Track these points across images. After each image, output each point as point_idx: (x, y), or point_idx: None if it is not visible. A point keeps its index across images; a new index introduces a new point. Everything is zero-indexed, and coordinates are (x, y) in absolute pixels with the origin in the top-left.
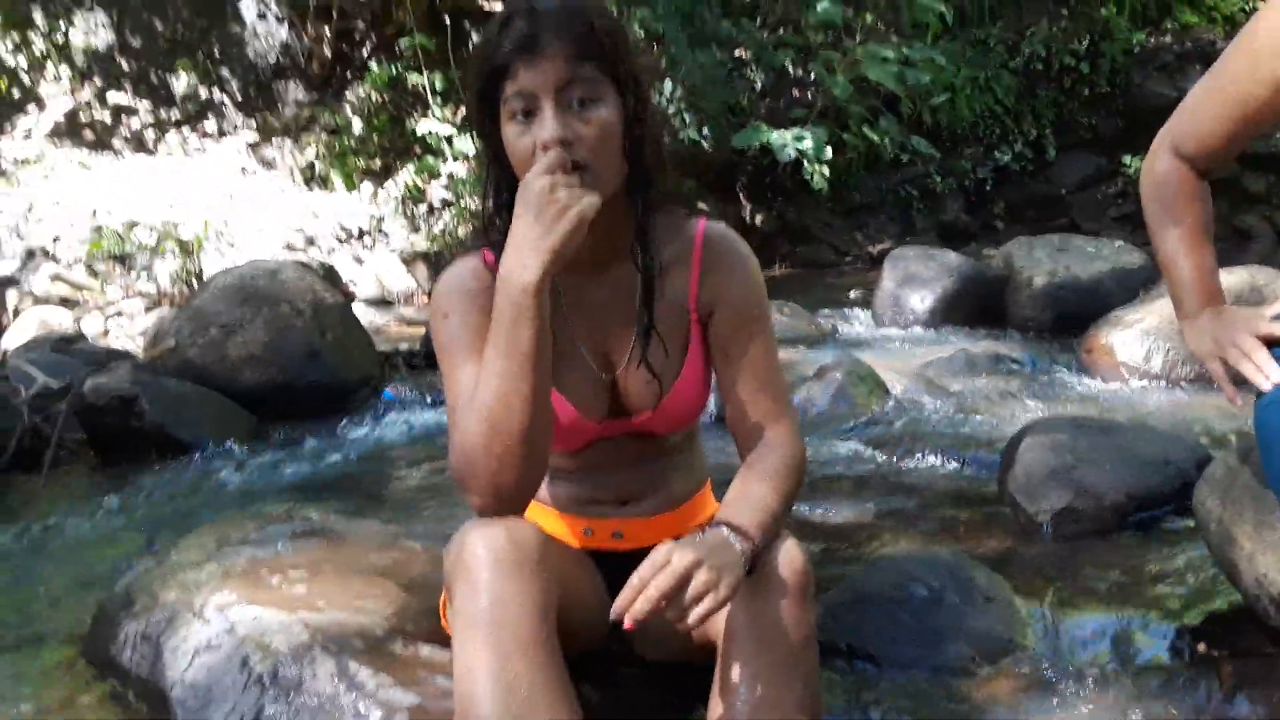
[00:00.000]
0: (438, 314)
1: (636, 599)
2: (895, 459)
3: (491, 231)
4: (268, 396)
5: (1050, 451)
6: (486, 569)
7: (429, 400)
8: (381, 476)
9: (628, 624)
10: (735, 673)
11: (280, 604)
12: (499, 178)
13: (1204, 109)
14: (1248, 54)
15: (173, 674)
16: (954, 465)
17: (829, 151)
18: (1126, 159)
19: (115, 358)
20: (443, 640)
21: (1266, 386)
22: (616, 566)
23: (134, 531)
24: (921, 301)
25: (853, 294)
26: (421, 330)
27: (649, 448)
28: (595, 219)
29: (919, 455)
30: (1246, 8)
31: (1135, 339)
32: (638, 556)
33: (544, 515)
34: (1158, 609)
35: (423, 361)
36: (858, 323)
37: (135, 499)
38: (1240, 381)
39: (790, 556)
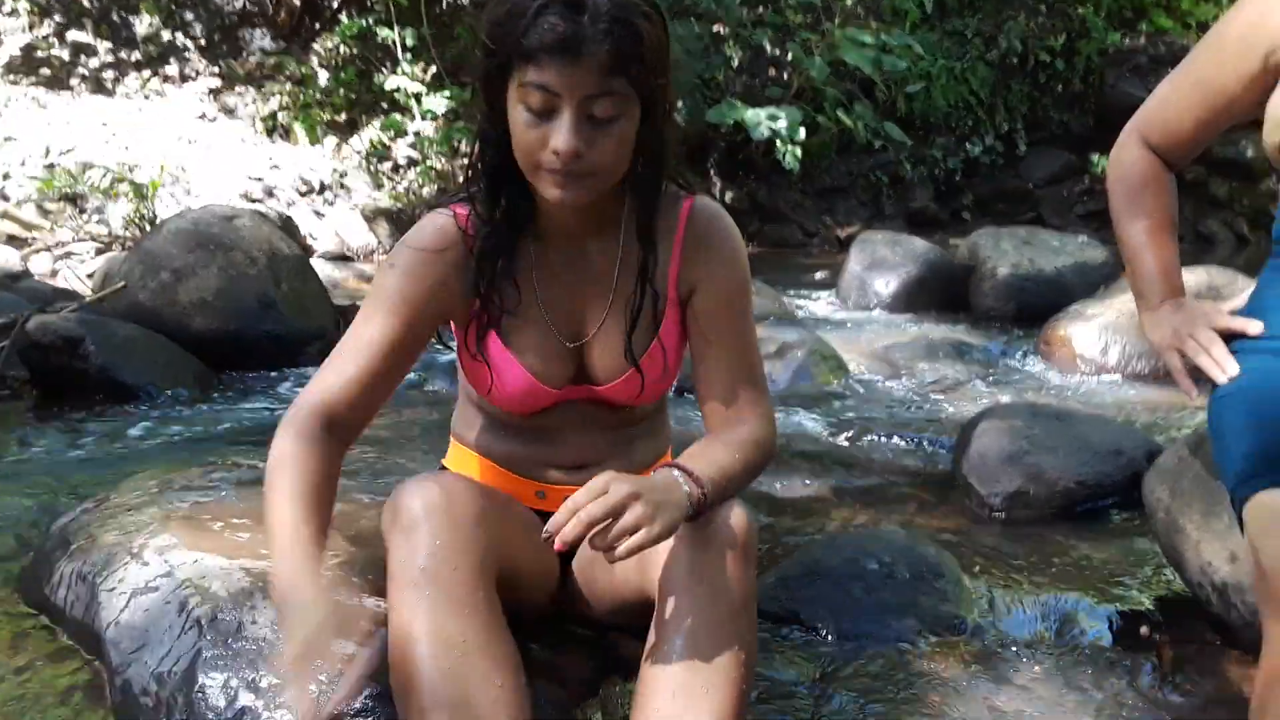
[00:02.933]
0: (387, 261)
1: (568, 522)
2: (853, 437)
3: (468, 187)
4: (218, 344)
5: (1005, 436)
6: (423, 525)
7: None
8: None
9: (558, 545)
10: (670, 628)
11: (222, 550)
12: (489, 138)
13: (1174, 99)
14: (1218, 48)
15: (107, 614)
16: (910, 445)
17: (802, 132)
18: (1095, 158)
19: (62, 297)
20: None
21: (1221, 380)
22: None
23: (75, 473)
24: (886, 286)
25: (819, 275)
26: None
27: (613, 416)
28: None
29: (876, 434)
30: (1220, 16)
31: (1093, 332)
32: None
33: (493, 474)
34: (1103, 593)
35: None
36: (822, 303)
37: (77, 441)
38: (1197, 375)
39: (735, 516)
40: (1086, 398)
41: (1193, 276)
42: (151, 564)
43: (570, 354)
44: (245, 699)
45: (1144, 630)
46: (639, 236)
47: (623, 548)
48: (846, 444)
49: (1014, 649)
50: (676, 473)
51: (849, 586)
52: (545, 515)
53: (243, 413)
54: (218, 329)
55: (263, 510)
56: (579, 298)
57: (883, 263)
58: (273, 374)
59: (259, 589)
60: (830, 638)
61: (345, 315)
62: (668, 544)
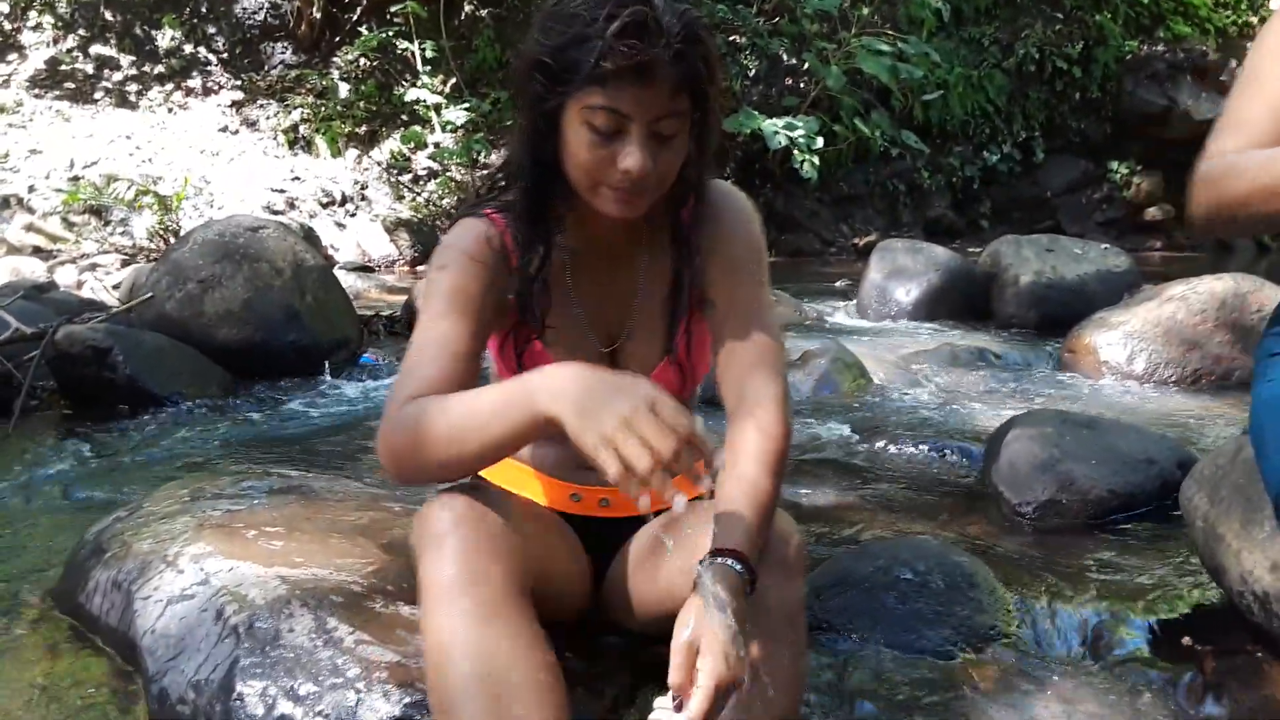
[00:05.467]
0: (435, 264)
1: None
2: (878, 445)
3: (505, 193)
4: (244, 354)
5: (1036, 444)
6: (451, 536)
7: None
8: (358, 440)
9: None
10: None
11: (257, 558)
12: (531, 150)
13: (1247, 113)
14: (1277, 54)
15: (143, 622)
16: (936, 454)
17: (819, 141)
18: (1113, 164)
19: (90, 308)
20: None
21: None
22: (600, 531)
23: (105, 482)
24: (907, 294)
25: (838, 284)
26: (402, 298)
27: None
28: None
29: (901, 443)
30: (1239, 21)
31: (1119, 340)
32: (622, 523)
33: (527, 478)
34: (1140, 603)
35: (404, 328)
36: (841, 312)
37: (106, 450)
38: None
39: (785, 530)
40: (1114, 406)
41: (1219, 284)
42: (187, 571)
43: (603, 357)
44: (284, 707)
45: (1186, 640)
46: (675, 237)
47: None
48: (871, 452)
49: (1051, 660)
50: (733, 564)
51: (881, 596)
52: (579, 520)
53: (270, 422)
54: (244, 339)
55: (451, 441)
56: (610, 300)
57: (903, 271)
58: (297, 383)
59: (296, 596)
60: (863, 648)
61: (368, 325)
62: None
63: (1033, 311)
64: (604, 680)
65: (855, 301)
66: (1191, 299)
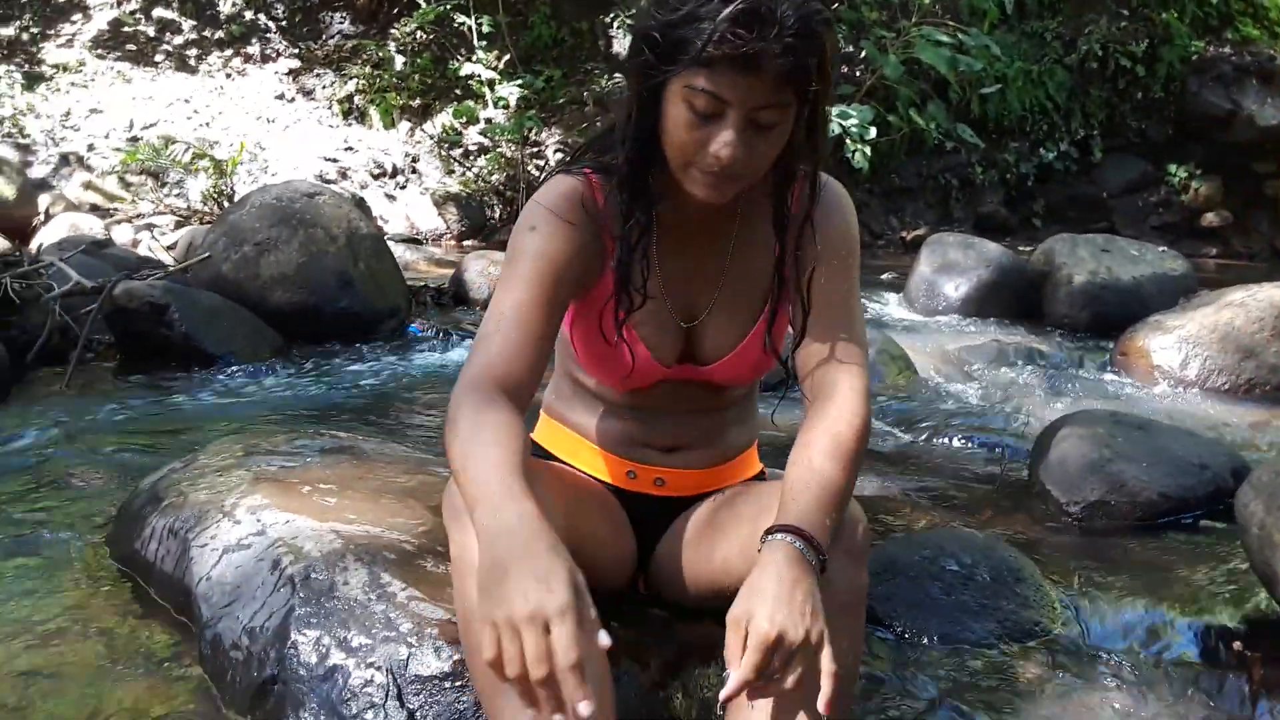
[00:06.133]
0: (524, 222)
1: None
2: (922, 438)
3: (607, 157)
4: (296, 318)
5: (1087, 443)
6: None
7: (454, 339)
8: (405, 407)
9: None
10: None
11: (312, 512)
12: (635, 120)
13: None
14: None
15: (199, 569)
16: (981, 449)
17: (873, 131)
18: (1172, 168)
19: (147, 265)
20: None
21: None
22: (651, 510)
23: (158, 435)
24: (956, 289)
25: (885, 276)
26: (449, 271)
27: (710, 396)
28: None
29: (946, 437)
30: None
31: (1173, 344)
32: (674, 503)
33: (586, 451)
34: (1189, 607)
35: (450, 300)
36: (890, 305)
37: (159, 405)
38: None
39: (853, 515)
40: (1165, 411)
41: (1265, 292)
42: (244, 522)
43: (682, 333)
44: (337, 657)
45: (1236, 645)
46: (777, 222)
47: (823, 698)
48: (916, 445)
49: (1096, 659)
50: (793, 540)
51: (927, 586)
52: (630, 495)
53: (320, 384)
54: (297, 303)
55: (456, 470)
56: (694, 277)
57: (953, 266)
58: (348, 350)
59: (350, 551)
60: (907, 636)
61: (417, 296)
62: None
63: (1085, 311)
64: (649, 652)
65: (903, 294)
66: (1250, 306)
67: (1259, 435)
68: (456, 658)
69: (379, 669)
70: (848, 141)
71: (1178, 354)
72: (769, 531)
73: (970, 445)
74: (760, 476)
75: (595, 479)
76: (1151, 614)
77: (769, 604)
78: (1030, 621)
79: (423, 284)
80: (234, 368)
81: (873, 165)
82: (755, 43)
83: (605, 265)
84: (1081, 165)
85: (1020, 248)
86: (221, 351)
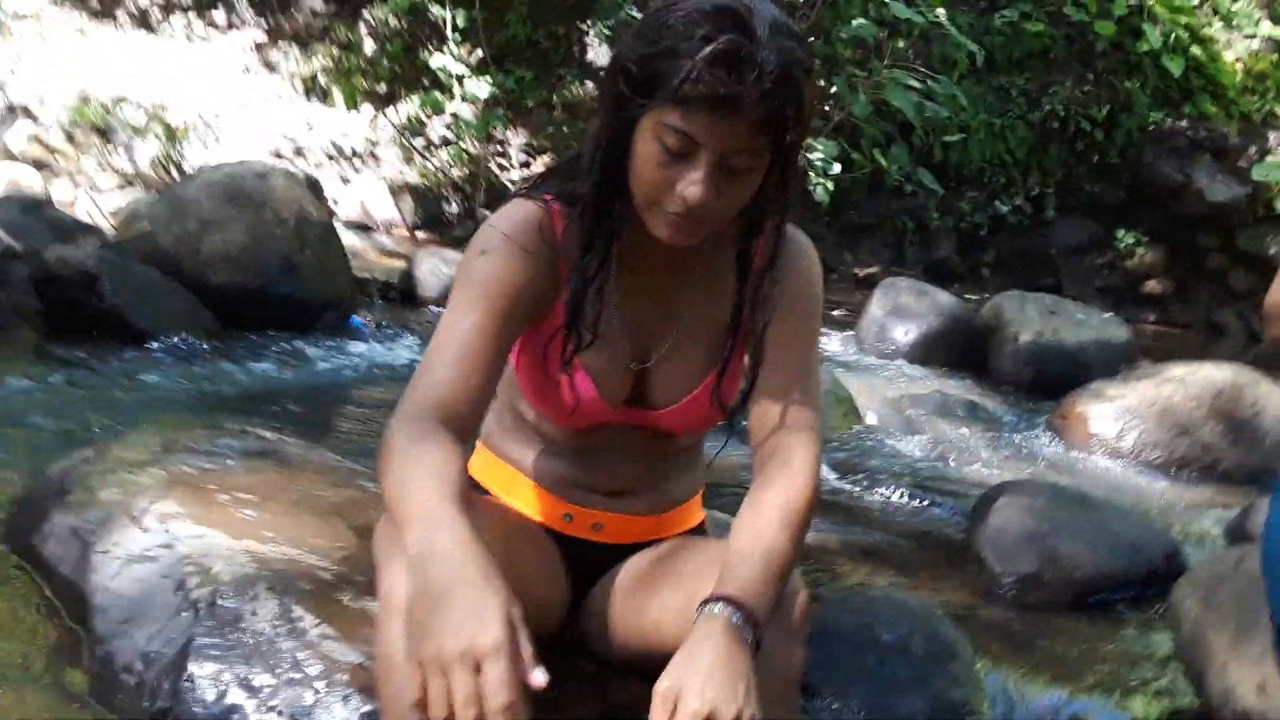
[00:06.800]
0: (477, 245)
1: None
2: (861, 487)
3: (571, 185)
4: (236, 301)
5: (1027, 515)
6: None
7: (396, 335)
8: (338, 407)
9: None
10: None
11: (227, 527)
12: (604, 151)
13: None
14: None
15: (98, 578)
16: (920, 504)
17: (837, 167)
18: (1120, 233)
19: (84, 230)
20: None
21: None
22: (587, 555)
23: (74, 413)
24: (906, 335)
25: (836, 313)
26: (399, 263)
27: (656, 444)
28: None
29: (886, 489)
30: (1263, 108)
31: (1111, 414)
32: (611, 551)
33: (522, 488)
34: (1114, 695)
35: (398, 296)
36: (838, 342)
37: (82, 381)
38: None
39: (792, 589)
40: (1100, 480)
41: (1219, 373)
42: (152, 531)
43: (631, 374)
44: (236, 695)
45: None
46: (741, 269)
47: None
48: (855, 496)
49: None
50: (731, 614)
51: (862, 656)
52: (566, 540)
53: (253, 374)
54: (238, 285)
55: (389, 499)
56: (650, 317)
57: (905, 311)
58: (285, 338)
59: (263, 577)
60: (835, 707)
61: (363, 288)
62: None
63: (1029, 369)
64: (570, 710)
65: (854, 333)
66: (1190, 383)
67: (1189, 518)
68: (365, 709)
69: (280, 714)
70: (811, 175)
71: (1115, 424)
72: (707, 600)
73: (910, 501)
74: (701, 527)
75: (531, 519)
76: (1077, 701)
77: (701, 679)
78: (959, 701)
79: (371, 277)
80: (166, 346)
81: (833, 200)
82: (734, 86)
83: (557, 297)
84: (1034, 221)
85: (968, 295)
86: (153, 329)
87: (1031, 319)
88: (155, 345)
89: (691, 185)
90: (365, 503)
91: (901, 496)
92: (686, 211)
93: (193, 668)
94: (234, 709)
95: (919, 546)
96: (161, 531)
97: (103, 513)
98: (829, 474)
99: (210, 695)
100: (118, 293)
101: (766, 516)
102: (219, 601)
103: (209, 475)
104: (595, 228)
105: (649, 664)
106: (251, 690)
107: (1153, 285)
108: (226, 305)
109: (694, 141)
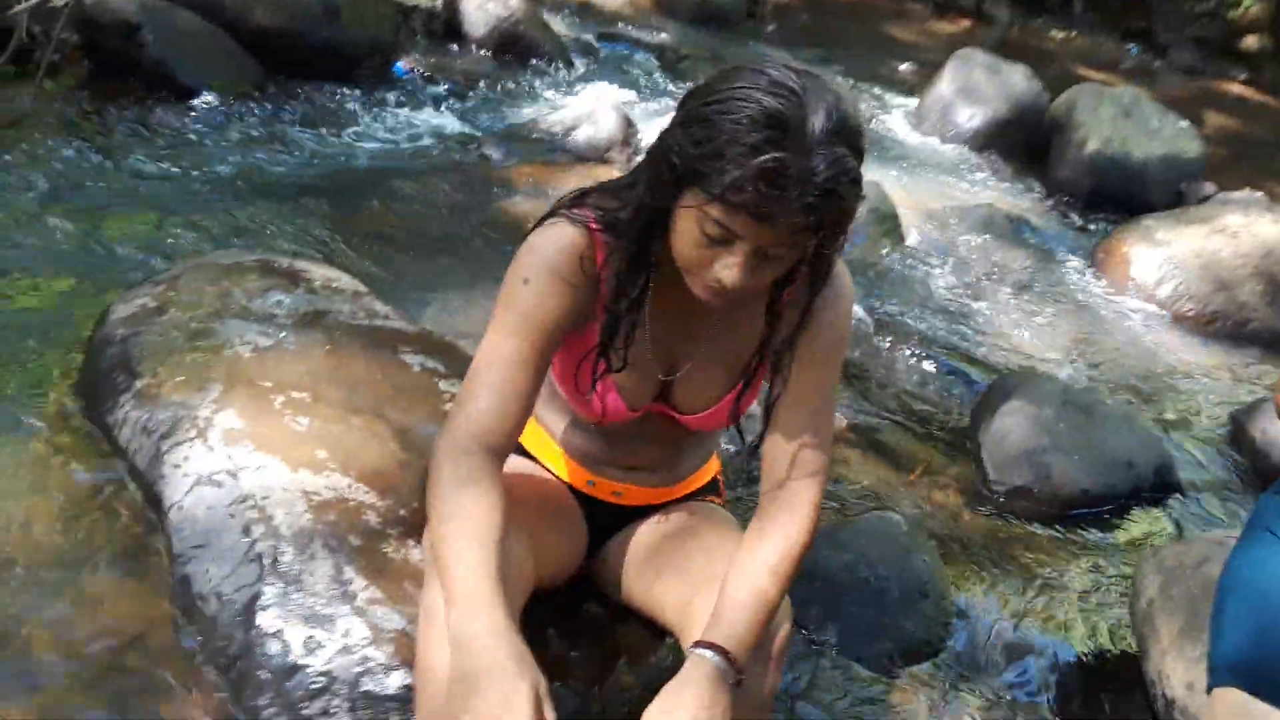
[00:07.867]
0: (518, 273)
1: None
2: (888, 345)
3: (614, 211)
4: (277, 44)
5: (1030, 426)
6: None
7: (442, 89)
8: (382, 181)
9: None
10: None
11: (284, 452)
12: (649, 205)
13: None
14: None
15: (171, 493)
16: (935, 372)
17: None
18: None
19: None
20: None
21: None
22: (606, 511)
23: (121, 191)
24: (970, 120)
25: (902, 67)
26: None
27: (676, 431)
28: None
29: (909, 349)
30: None
31: (1154, 261)
32: (631, 510)
33: (552, 452)
34: (1072, 637)
35: (442, 29)
36: (900, 121)
37: (124, 148)
38: None
39: (776, 625)
40: (1125, 333)
41: (1274, 230)
42: (216, 451)
43: (659, 384)
44: (298, 655)
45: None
46: (769, 304)
47: None
48: (876, 353)
49: (970, 689)
50: (718, 661)
51: (843, 597)
52: (588, 499)
53: (296, 125)
54: (279, 27)
55: (435, 549)
56: (677, 337)
57: (975, 91)
58: (326, 92)
59: (318, 532)
60: (813, 645)
61: (408, 19)
62: (711, 595)
63: (1088, 179)
64: (578, 663)
65: (917, 110)
66: (1242, 239)
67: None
68: (406, 682)
69: (335, 679)
70: None
71: (1156, 271)
72: (697, 644)
73: (927, 367)
74: (714, 482)
75: (557, 477)
76: (1032, 634)
77: None
78: (922, 642)
79: (414, 5)
80: (208, 103)
81: None
82: (776, 199)
83: (595, 318)
84: None
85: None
86: (196, 84)
87: (1102, 122)
88: (200, 98)
89: (727, 269)
90: (408, 390)
91: (921, 363)
92: (721, 289)
93: (260, 621)
94: (296, 669)
95: (925, 434)
96: (224, 458)
97: (169, 416)
98: (858, 311)
99: (275, 651)
100: (158, 46)
101: (763, 558)
102: (280, 558)
103: (264, 365)
104: (636, 261)
105: (650, 618)
106: (311, 651)
107: (1250, 41)
108: (268, 50)
109: (733, 234)
